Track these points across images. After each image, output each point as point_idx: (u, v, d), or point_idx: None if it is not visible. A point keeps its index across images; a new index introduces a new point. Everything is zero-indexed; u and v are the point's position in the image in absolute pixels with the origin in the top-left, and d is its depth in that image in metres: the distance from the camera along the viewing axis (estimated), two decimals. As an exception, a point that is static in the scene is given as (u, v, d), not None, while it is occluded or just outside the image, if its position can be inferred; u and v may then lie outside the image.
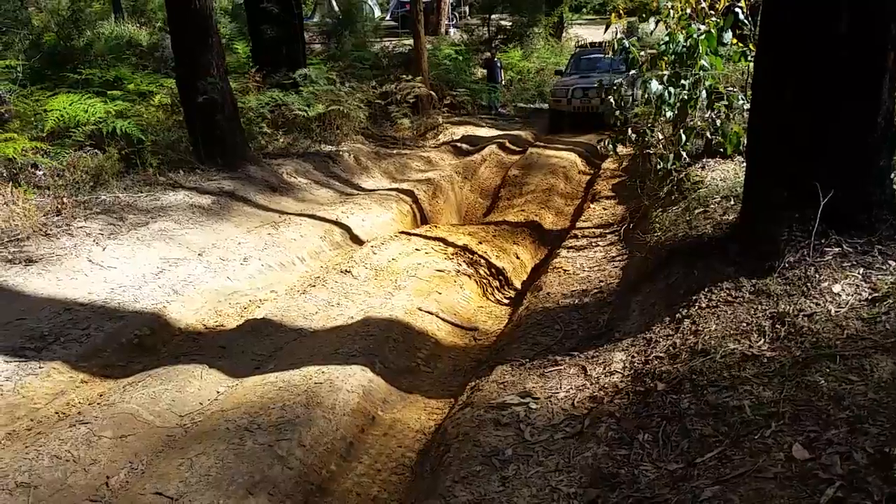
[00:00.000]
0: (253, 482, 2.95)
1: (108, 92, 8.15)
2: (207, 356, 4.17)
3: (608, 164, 10.58)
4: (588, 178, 11.18)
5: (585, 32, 25.02)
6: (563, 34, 23.99)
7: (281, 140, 10.01)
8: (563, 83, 14.78)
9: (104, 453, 3.16)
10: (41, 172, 6.79)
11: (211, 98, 7.72)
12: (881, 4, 3.28)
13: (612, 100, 6.20)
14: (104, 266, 5.16)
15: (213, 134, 7.91)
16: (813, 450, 2.34)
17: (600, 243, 6.28)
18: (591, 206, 8.48)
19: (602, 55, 12.96)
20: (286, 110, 10.33)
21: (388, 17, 25.89)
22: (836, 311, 3.05)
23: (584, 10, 30.76)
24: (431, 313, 5.09)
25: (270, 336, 4.48)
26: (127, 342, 4.30)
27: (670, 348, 3.39)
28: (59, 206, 5.86)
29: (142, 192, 6.65)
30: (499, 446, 3.10)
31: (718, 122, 6.14)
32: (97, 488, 2.97)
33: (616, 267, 5.40)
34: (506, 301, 6.12)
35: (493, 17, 22.60)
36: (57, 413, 3.56)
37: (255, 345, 4.36)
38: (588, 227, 7.13)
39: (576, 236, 6.68)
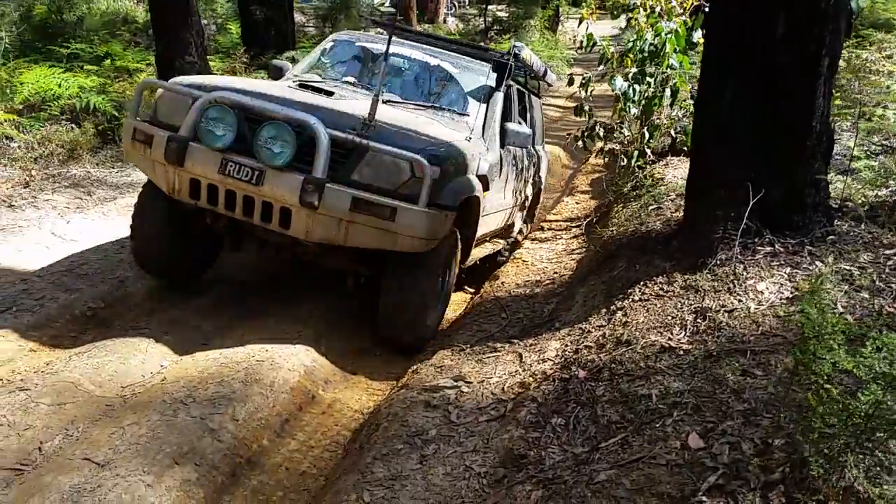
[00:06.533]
0: (181, 452, 3.02)
1: (85, 67, 8.16)
2: (157, 331, 4.24)
3: (593, 160, 10.63)
4: (571, 172, 11.26)
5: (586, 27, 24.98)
6: (559, 27, 23.98)
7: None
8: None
9: (40, 419, 3.23)
10: (15, 144, 6.84)
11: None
12: (814, 11, 3.35)
13: (581, 93, 6.25)
14: (66, 239, 5.21)
15: (190, 113, 7.94)
16: (707, 439, 2.43)
17: (564, 236, 6.37)
18: (566, 199, 8.58)
19: (434, 58, 5.21)
20: (269, 92, 10.33)
21: (387, 3, 25.81)
22: (755, 308, 3.13)
23: (584, 3, 30.79)
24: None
25: (227, 311, 4.54)
26: (80, 314, 4.35)
27: (600, 338, 3.48)
28: (28, 179, 5.91)
29: (114, 168, 6.70)
30: (424, 427, 3.18)
31: (685, 120, 6.22)
32: (29, 452, 3.04)
33: (573, 260, 5.49)
34: (471, 290, 6.20)
35: (489, 7, 22.57)
36: (0, 379, 3.63)
37: (208, 320, 4.42)
38: (557, 220, 7.22)
39: (542, 228, 6.78)
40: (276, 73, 5.38)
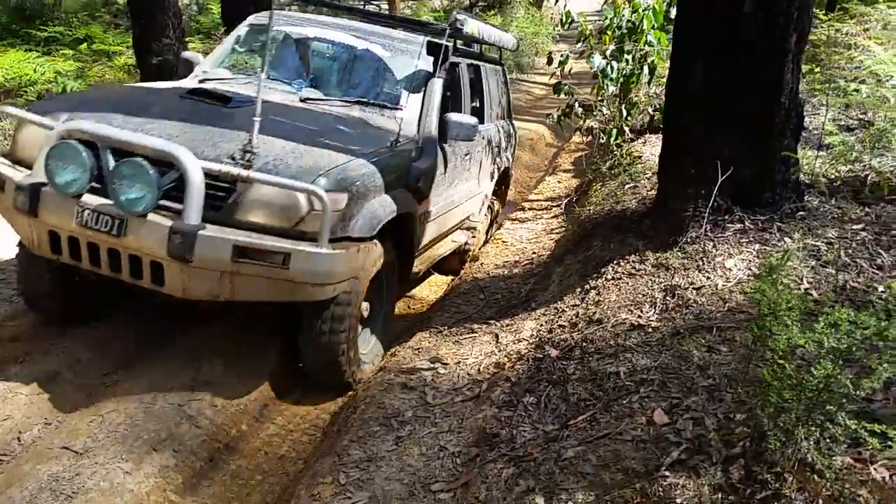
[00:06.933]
0: (159, 439, 3.06)
1: (62, 51, 8.07)
2: (138, 318, 4.24)
3: (577, 138, 10.64)
4: (555, 150, 11.27)
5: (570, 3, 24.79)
6: (545, 3, 23.79)
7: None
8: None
9: (19, 409, 3.26)
10: (-9, 132, 6.78)
11: (166, 59, 7.69)
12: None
13: (558, 72, 6.25)
14: (44, 228, 5.19)
15: (169, 97, 7.89)
16: (672, 415, 2.48)
17: (544, 216, 6.40)
18: (548, 179, 8.60)
19: (363, 40, 4.44)
20: (248, 73, 10.26)
21: (370, -19, 25.48)
22: (723, 285, 3.18)
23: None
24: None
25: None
26: (59, 303, 4.36)
27: (573, 317, 3.53)
28: (4, 167, 5.86)
29: (92, 155, 6.64)
30: (401, 408, 3.23)
31: (663, 98, 6.24)
32: (8, 443, 3.07)
33: (552, 239, 5.53)
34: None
35: (473, -17, 22.37)
36: (-21, 371, 3.64)
37: (185, 308, 4.43)
38: (538, 200, 7.24)
39: (523, 209, 6.80)
40: (186, 69, 4.53)
